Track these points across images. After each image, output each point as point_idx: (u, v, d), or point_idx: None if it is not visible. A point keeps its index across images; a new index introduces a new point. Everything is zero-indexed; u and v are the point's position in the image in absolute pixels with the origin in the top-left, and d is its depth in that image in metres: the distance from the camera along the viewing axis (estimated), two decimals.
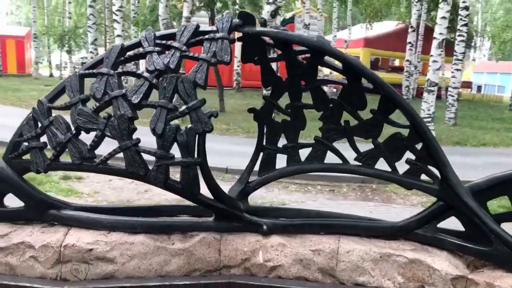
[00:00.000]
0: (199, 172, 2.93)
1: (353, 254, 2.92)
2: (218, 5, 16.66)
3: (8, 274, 2.90)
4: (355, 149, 3.12)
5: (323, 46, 2.91)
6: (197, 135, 2.85)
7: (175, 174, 3.01)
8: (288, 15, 24.49)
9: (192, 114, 2.83)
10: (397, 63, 29.46)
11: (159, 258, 2.94)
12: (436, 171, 2.98)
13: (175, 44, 2.91)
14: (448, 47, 20.51)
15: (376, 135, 3.07)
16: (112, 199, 6.73)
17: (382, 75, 23.46)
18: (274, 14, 12.81)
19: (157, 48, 2.91)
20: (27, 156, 3.04)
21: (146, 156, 2.90)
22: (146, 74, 2.87)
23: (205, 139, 2.89)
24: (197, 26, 2.96)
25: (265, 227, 3.04)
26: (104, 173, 3.00)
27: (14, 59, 24.38)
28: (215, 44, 2.88)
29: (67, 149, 2.95)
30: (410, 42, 20.35)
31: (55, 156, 2.94)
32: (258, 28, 3.01)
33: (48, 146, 3.00)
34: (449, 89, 16.07)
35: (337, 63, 3.16)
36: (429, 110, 12.77)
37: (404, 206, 6.92)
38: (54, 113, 3.03)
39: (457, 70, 15.89)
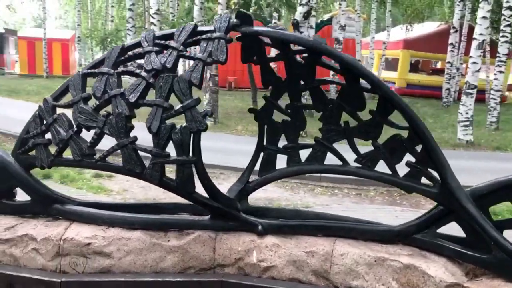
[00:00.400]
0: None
1: (347, 257, 2.86)
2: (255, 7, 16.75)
3: (12, 264, 3.03)
4: (355, 150, 3.07)
5: (319, 46, 2.88)
6: (192, 134, 2.88)
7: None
8: (326, 17, 24.28)
9: (187, 113, 2.87)
10: (440, 65, 28.61)
11: (154, 254, 2.99)
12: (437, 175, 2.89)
13: (173, 44, 2.95)
14: (493, 48, 19.74)
15: (376, 136, 3.01)
16: (140, 197, 6.89)
17: (422, 77, 22.88)
18: (306, 15, 12.76)
19: (155, 48, 2.97)
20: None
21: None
22: (143, 74, 2.93)
23: (200, 138, 2.91)
24: (195, 26, 3.00)
25: (260, 227, 3.03)
26: (103, 169, 3.09)
27: (60, 61, 25.41)
28: (211, 43, 2.91)
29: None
30: (451, 43, 19.74)
31: (58, 152, 3.06)
32: (255, 27, 3.01)
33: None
34: (491, 92, 15.47)
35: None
36: (467, 113, 12.33)
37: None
38: (61, 111, 3.14)
39: (500, 72, 15.27)
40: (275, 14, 18.61)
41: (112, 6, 25.83)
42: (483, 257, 2.71)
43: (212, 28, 2.96)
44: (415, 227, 2.92)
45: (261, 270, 2.97)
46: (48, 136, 3.11)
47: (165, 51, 2.97)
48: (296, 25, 12.68)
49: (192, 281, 2.93)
